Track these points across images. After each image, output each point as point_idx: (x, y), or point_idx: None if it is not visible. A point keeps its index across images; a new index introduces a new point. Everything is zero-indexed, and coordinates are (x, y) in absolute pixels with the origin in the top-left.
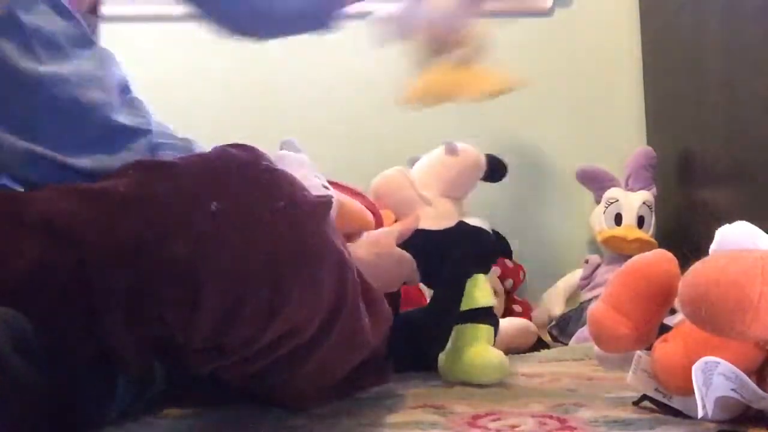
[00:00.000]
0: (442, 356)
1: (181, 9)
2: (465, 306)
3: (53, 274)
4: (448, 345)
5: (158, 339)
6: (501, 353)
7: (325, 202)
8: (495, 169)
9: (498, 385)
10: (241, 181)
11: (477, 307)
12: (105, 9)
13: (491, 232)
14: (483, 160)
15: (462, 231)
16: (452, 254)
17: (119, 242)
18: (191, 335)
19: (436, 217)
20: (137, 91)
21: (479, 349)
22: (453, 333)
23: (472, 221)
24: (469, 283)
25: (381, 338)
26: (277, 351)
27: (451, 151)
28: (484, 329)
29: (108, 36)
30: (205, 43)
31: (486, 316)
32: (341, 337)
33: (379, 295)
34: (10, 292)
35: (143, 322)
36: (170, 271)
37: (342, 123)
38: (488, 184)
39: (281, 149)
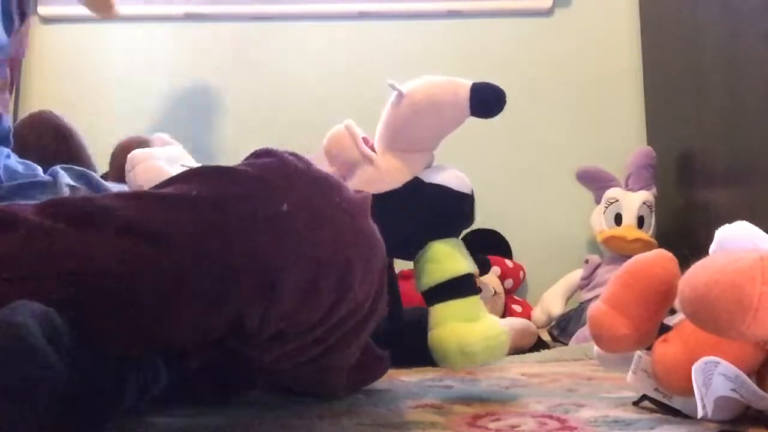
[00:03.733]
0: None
1: (180, 9)
2: (427, 283)
3: (139, 273)
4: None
5: (226, 330)
6: (474, 335)
7: (367, 198)
8: (484, 100)
9: (498, 385)
10: (305, 184)
11: (439, 282)
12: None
13: (466, 190)
14: (441, 96)
15: (403, 193)
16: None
17: (206, 239)
18: (266, 320)
19: (373, 180)
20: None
21: (438, 333)
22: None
23: (440, 176)
24: (426, 256)
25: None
26: (338, 331)
27: (394, 89)
28: (453, 306)
29: (112, 36)
30: (204, 43)
31: (453, 289)
32: (379, 315)
33: None
34: (95, 287)
35: (220, 314)
36: (253, 262)
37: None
38: (485, 182)
39: (152, 145)
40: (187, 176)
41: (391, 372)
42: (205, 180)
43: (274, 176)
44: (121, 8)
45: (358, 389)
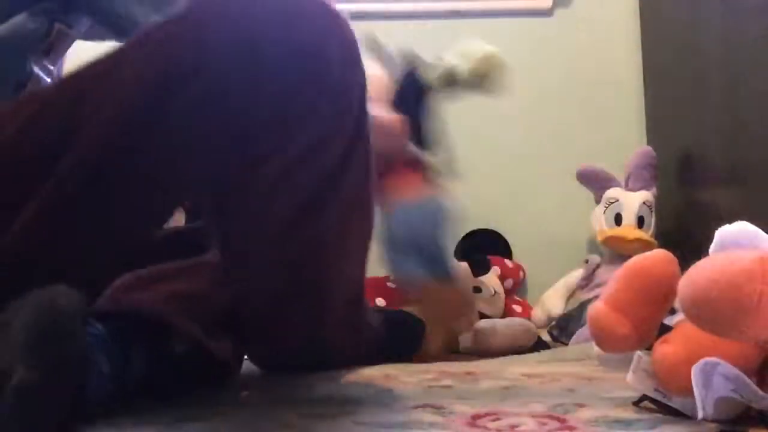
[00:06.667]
0: None
1: None
2: None
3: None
4: None
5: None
6: None
7: None
8: None
9: (498, 385)
10: None
11: None
12: None
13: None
14: None
15: None
16: None
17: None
18: (254, 104)
19: None
20: None
21: None
22: None
23: None
24: None
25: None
26: (311, 164)
27: None
28: None
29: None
30: None
31: None
32: (357, 180)
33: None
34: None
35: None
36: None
37: None
38: (484, 183)
39: None
40: None
41: (390, 372)
42: None
43: None
44: None
45: (353, 364)
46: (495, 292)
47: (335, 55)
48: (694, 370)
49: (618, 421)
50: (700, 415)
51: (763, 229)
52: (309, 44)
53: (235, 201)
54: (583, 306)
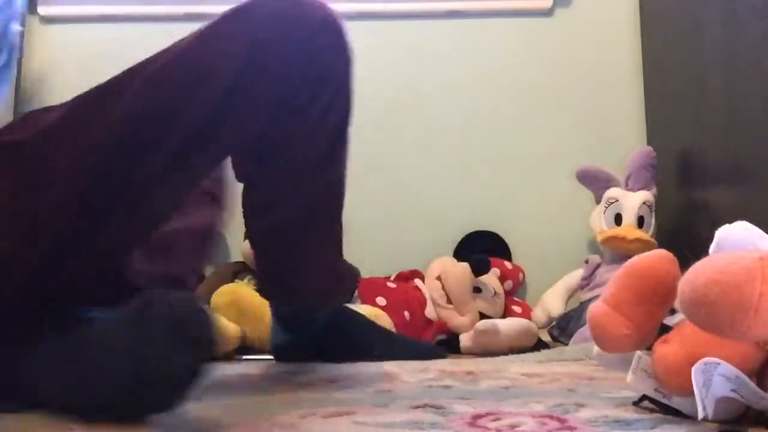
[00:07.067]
0: None
1: (180, 9)
2: None
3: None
4: None
5: None
6: None
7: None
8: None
9: (498, 385)
10: None
11: None
12: (105, 9)
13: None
14: None
15: None
16: None
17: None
18: None
19: None
20: None
21: None
22: None
23: None
24: None
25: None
26: (332, 115)
27: None
28: None
29: (112, 36)
30: None
31: None
32: (348, 136)
33: None
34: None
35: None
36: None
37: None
38: (483, 183)
39: None
40: None
41: (391, 372)
42: None
43: None
44: (120, 8)
45: (328, 298)
46: (495, 292)
47: (344, 32)
48: (694, 371)
49: (618, 421)
50: (700, 415)
51: (763, 229)
52: (329, 24)
53: (276, 148)
54: (583, 306)
